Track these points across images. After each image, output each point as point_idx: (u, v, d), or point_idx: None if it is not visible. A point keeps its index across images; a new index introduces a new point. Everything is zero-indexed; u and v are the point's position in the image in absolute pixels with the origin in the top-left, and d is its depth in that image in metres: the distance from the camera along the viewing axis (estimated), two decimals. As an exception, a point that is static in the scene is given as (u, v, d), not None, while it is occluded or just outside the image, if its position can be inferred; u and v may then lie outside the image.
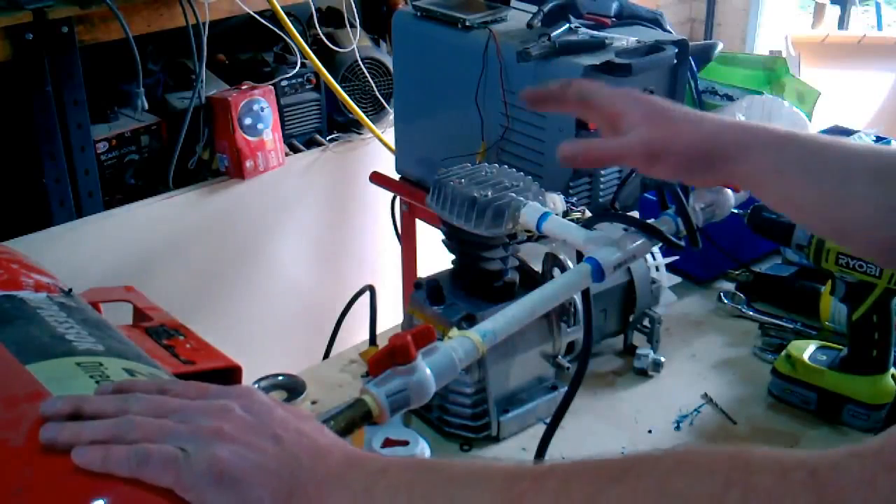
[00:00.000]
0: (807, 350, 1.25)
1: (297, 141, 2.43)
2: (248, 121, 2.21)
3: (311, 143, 2.46)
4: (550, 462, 0.55)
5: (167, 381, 0.66)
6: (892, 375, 1.18)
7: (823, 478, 0.44)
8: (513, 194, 1.09)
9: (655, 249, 1.29)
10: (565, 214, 1.22)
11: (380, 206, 2.33)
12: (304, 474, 0.59)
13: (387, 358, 0.75)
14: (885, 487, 0.42)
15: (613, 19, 1.74)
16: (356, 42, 2.41)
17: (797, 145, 0.81)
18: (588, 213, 1.27)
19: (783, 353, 1.26)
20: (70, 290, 0.87)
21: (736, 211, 1.11)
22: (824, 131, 1.76)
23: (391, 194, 2.24)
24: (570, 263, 1.19)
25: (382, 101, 2.49)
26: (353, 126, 2.52)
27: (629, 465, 0.51)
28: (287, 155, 2.36)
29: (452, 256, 1.22)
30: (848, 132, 1.75)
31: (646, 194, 1.54)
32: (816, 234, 0.87)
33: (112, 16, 1.89)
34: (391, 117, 2.38)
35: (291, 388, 1.16)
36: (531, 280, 1.18)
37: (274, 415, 0.62)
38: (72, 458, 0.58)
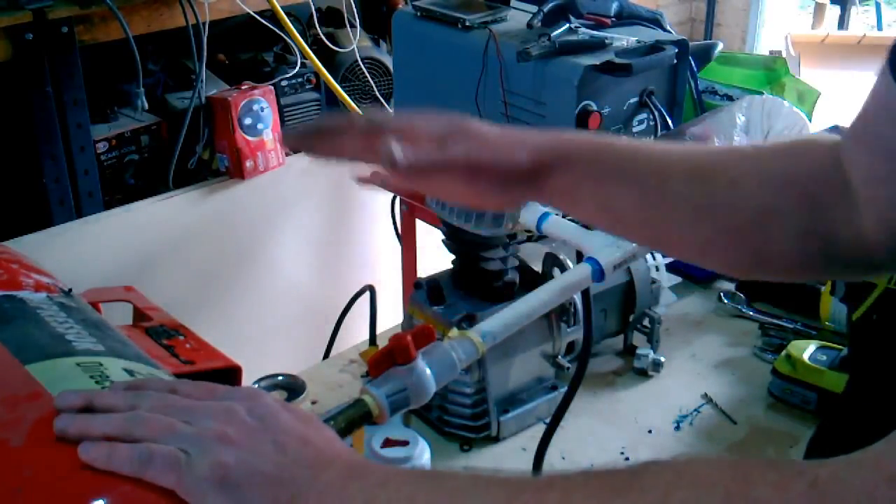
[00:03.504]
0: (807, 350, 1.25)
1: (297, 141, 2.43)
2: (248, 121, 2.21)
3: (311, 143, 2.46)
4: (553, 473, 0.55)
5: (177, 382, 0.66)
6: None
7: (823, 489, 0.44)
8: (513, 194, 1.09)
9: (655, 249, 1.29)
10: (565, 214, 1.22)
11: (380, 206, 2.33)
12: (305, 484, 0.59)
13: (387, 358, 0.76)
14: (884, 500, 0.42)
15: (613, 19, 1.74)
16: (356, 42, 2.40)
17: (612, 151, 0.80)
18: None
19: (783, 353, 1.26)
20: (70, 290, 0.87)
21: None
22: (824, 131, 1.76)
23: (391, 194, 2.24)
24: (570, 263, 1.19)
25: (382, 101, 2.49)
26: (354, 126, 2.52)
27: (631, 478, 0.51)
28: (287, 155, 2.35)
29: (452, 256, 1.22)
30: (848, 132, 1.74)
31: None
32: (634, 241, 0.84)
33: (112, 16, 1.89)
34: (391, 117, 2.37)
35: (291, 388, 1.16)
36: (531, 280, 1.18)
37: (279, 420, 0.62)
38: (78, 453, 0.59)
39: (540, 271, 1.22)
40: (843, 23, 4.09)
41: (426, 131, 0.79)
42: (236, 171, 2.23)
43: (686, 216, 0.75)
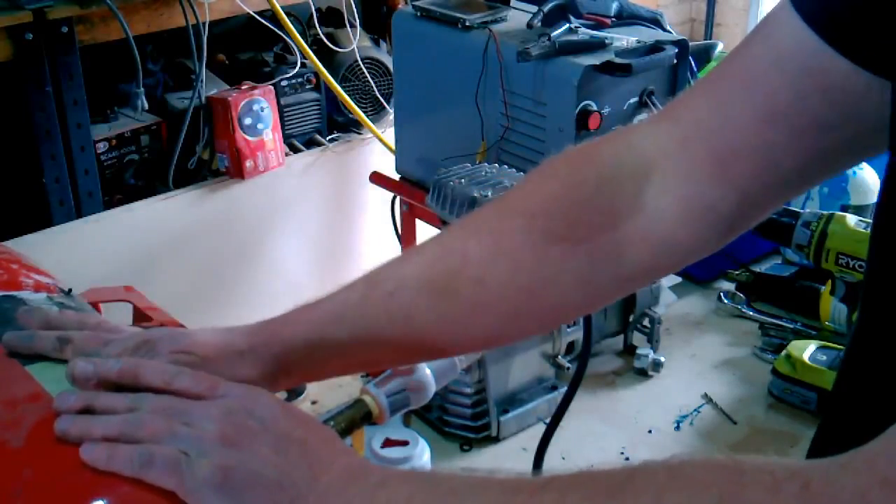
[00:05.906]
0: (807, 350, 1.25)
1: (297, 141, 2.43)
2: (248, 121, 2.21)
3: (311, 143, 2.46)
4: (549, 474, 0.55)
5: (177, 376, 0.65)
6: None
7: (815, 492, 0.44)
8: (513, 194, 1.09)
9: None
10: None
11: (380, 206, 2.33)
12: (304, 486, 0.59)
13: (387, 358, 0.75)
14: (878, 502, 0.42)
15: (613, 19, 1.74)
16: (356, 42, 2.40)
17: (351, 315, 0.74)
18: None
19: (783, 353, 1.26)
20: (70, 290, 0.87)
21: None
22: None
23: (391, 194, 2.24)
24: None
25: (382, 101, 2.49)
26: (353, 126, 2.52)
27: (625, 480, 0.51)
28: (287, 155, 2.35)
29: (452, 256, 1.21)
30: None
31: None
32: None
33: (112, 16, 1.89)
34: (391, 117, 2.37)
35: (291, 388, 1.16)
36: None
37: (279, 422, 0.62)
38: (80, 454, 0.59)
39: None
40: (843, 23, 4.09)
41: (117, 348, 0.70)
42: (236, 171, 2.23)
43: (449, 325, 0.71)
